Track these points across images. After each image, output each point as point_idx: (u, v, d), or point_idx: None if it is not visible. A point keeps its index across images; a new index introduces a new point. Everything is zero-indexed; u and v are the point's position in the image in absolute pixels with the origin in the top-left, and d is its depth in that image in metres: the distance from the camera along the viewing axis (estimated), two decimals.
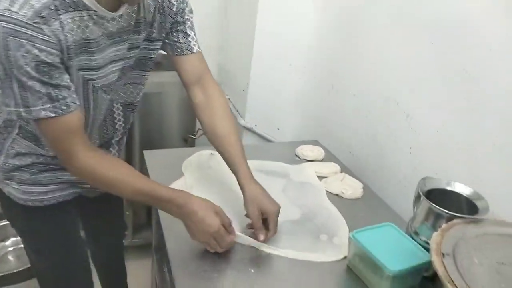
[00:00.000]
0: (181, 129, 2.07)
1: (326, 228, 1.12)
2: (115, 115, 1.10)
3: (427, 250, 0.88)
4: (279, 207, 1.04)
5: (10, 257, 2.06)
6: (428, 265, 0.86)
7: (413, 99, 1.25)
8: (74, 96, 0.86)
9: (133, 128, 1.95)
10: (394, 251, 0.94)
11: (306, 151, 1.48)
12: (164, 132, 2.05)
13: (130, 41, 0.97)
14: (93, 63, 0.89)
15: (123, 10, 0.90)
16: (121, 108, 1.10)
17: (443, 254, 0.78)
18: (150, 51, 1.06)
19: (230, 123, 1.12)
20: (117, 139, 1.17)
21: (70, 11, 0.80)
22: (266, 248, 1.03)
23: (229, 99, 2.15)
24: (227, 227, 0.97)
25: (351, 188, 1.30)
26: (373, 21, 1.43)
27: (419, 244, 0.96)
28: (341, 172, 1.40)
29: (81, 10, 0.82)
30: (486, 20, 1.01)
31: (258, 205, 1.02)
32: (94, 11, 0.84)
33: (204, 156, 1.40)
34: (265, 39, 1.79)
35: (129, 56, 0.99)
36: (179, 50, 1.08)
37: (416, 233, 0.99)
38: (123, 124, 1.14)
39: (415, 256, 0.93)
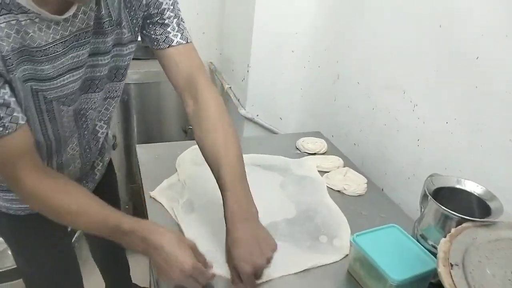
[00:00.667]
0: (180, 120, 2.00)
1: (326, 228, 1.05)
2: (97, 128, 1.03)
3: (435, 255, 0.80)
4: (269, 258, 0.83)
5: (10, 252, 2.03)
6: (436, 272, 0.78)
7: (421, 87, 1.16)
8: (16, 114, 0.72)
9: (131, 121, 1.89)
10: (398, 256, 0.86)
11: (307, 143, 1.40)
12: (162, 124, 1.98)
13: (93, 45, 0.83)
14: (43, 73, 0.76)
15: (73, 10, 0.75)
16: (105, 126, 1.04)
17: (451, 264, 0.70)
18: (124, 57, 0.92)
19: (223, 138, 0.90)
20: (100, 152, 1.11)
21: (3, 14, 0.67)
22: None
23: (230, 88, 2.07)
24: (203, 264, 0.80)
25: (354, 183, 1.21)
26: (378, 4, 1.32)
27: (426, 248, 0.88)
28: (344, 166, 1.32)
29: (17, 14, 0.68)
30: (499, 2, 0.91)
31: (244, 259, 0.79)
32: (35, 13, 0.70)
33: (198, 151, 1.32)
34: (264, 24, 1.69)
35: (94, 63, 0.85)
36: (155, 43, 0.93)
37: (423, 237, 0.91)
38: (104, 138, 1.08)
39: (422, 262, 0.85)
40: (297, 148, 1.42)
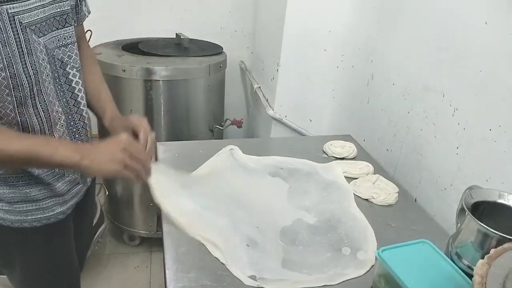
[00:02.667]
0: (207, 118, 1.96)
1: (350, 239, 0.97)
2: (70, 77, 0.97)
3: (470, 277, 0.70)
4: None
5: None
6: None
7: (463, 90, 1.06)
8: None
9: (159, 118, 1.86)
10: (428, 276, 0.77)
11: (335, 147, 1.32)
12: (190, 122, 1.95)
13: None
14: None
15: None
16: (77, 74, 0.99)
17: None
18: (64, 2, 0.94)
19: (99, 78, 1.13)
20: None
21: None
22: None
23: (259, 87, 2.01)
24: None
25: (384, 192, 1.12)
26: (418, 1, 1.23)
27: (461, 269, 0.78)
28: (375, 173, 1.23)
29: None
30: None
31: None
32: None
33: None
34: (296, 22, 1.62)
35: None
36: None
37: (458, 255, 0.81)
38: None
39: (454, 284, 0.75)
40: (324, 152, 1.34)
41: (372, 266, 0.90)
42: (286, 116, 1.80)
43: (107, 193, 2.05)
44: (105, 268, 2.10)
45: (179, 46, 1.99)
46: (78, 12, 1.02)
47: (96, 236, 1.93)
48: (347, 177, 1.21)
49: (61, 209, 0.99)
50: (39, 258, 1.01)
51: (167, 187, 0.97)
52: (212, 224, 0.94)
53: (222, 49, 2.00)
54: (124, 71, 1.71)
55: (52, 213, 0.97)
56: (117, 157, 0.84)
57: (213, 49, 1.98)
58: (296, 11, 1.60)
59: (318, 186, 1.16)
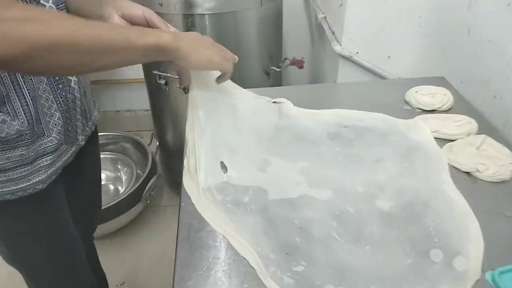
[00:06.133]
0: (261, 58, 1.66)
1: (442, 237, 0.66)
2: None
3: None
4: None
5: None
6: None
7: None
8: None
9: None
10: None
11: (422, 95, 0.97)
12: (241, 63, 1.66)
13: None
14: None
15: None
16: None
17: None
18: None
19: None
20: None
21: None
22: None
23: (324, 17, 1.65)
24: None
25: (494, 162, 0.78)
26: None
27: None
28: (479, 132, 0.88)
29: None
30: None
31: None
32: None
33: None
34: None
35: None
36: None
37: None
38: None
39: None
40: (406, 102, 0.99)
41: (477, 282, 0.60)
42: (357, 53, 1.44)
43: (157, 143, 1.88)
44: (160, 219, 2.00)
45: None
46: None
47: (147, 188, 1.80)
48: (438, 138, 0.87)
49: (39, 178, 0.78)
50: (21, 233, 0.83)
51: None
52: (242, 221, 0.69)
53: None
54: (161, 5, 1.46)
55: (28, 183, 0.76)
56: (216, 47, 0.74)
57: None
58: None
59: (396, 152, 0.84)
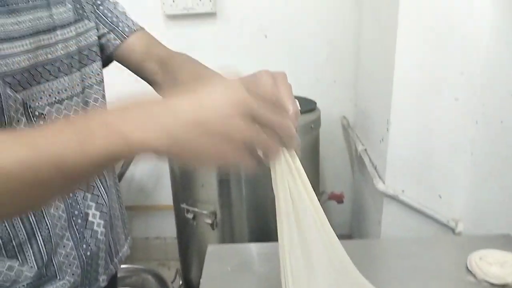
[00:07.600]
0: None
1: None
2: None
3: None
4: None
5: None
6: None
7: None
8: None
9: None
10: None
11: (488, 264, 0.79)
12: None
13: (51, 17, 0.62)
14: None
15: None
16: None
17: None
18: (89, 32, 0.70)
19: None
20: None
21: None
22: None
23: (365, 150, 1.55)
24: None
25: None
26: None
27: None
28: None
29: None
30: None
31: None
32: None
33: None
34: (410, 65, 1.17)
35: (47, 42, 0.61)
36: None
37: None
38: None
39: None
40: (469, 271, 0.81)
41: None
42: (403, 191, 1.30)
43: (180, 281, 1.71)
44: None
45: None
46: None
47: None
48: None
49: None
50: None
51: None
52: None
53: (316, 104, 1.60)
54: None
55: None
56: (233, 132, 0.40)
57: (303, 105, 1.60)
58: (410, 46, 1.15)
59: None
